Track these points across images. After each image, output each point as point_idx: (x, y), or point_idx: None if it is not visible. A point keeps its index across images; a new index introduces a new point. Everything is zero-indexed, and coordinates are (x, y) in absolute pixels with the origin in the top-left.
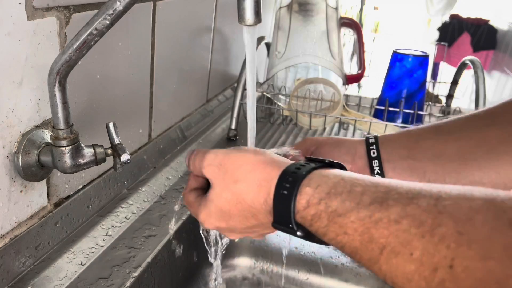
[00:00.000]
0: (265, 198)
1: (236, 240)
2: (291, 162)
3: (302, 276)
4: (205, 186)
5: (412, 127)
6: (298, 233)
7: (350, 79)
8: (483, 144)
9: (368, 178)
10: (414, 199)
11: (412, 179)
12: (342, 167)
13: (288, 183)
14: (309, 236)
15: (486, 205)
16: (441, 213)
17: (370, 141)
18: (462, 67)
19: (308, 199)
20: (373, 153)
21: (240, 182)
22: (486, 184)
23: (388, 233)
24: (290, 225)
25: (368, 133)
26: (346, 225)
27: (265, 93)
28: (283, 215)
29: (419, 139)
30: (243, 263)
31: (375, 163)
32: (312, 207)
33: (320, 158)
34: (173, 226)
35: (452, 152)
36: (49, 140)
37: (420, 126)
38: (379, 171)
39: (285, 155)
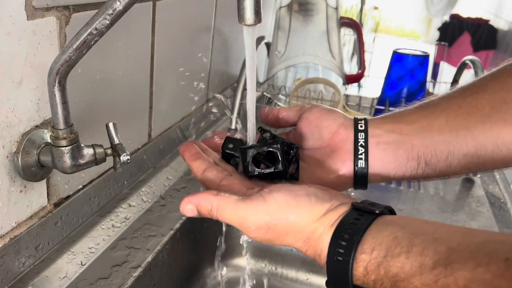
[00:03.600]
0: (314, 256)
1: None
2: (343, 212)
3: (302, 276)
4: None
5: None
6: None
7: (350, 79)
8: (475, 111)
9: (424, 230)
10: (482, 261)
11: (398, 154)
12: (391, 212)
13: (342, 248)
14: None
15: None
16: None
17: (359, 117)
18: (462, 67)
19: (365, 266)
20: (361, 126)
21: (288, 237)
22: (483, 157)
23: None
24: None
25: None
26: None
27: (265, 93)
28: (340, 281)
29: (404, 114)
30: (243, 263)
31: (361, 135)
32: (372, 274)
33: (369, 205)
34: None
35: (441, 123)
36: (49, 140)
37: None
38: (363, 143)
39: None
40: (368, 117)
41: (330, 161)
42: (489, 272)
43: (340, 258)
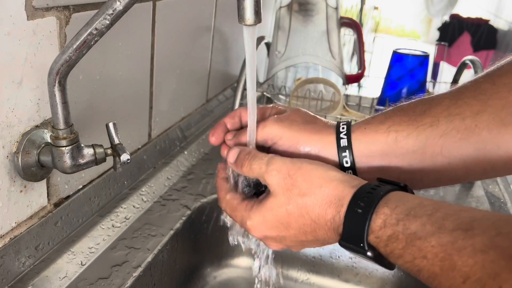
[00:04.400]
0: (333, 215)
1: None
2: (365, 182)
3: (302, 276)
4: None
5: (387, 109)
6: (369, 253)
7: (350, 79)
8: (472, 136)
9: (448, 204)
10: (503, 229)
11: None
12: (413, 193)
13: (363, 202)
14: (378, 258)
15: None
16: None
17: (341, 144)
18: (462, 67)
19: (385, 219)
20: (346, 160)
21: (307, 196)
22: (469, 179)
23: (473, 262)
24: (362, 245)
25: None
26: (425, 249)
27: (265, 93)
28: (355, 234)
29: (398, 138)
30: (243, 263)
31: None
32: (389, 228)
33: (395, 181)
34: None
35: (435, 151)
36: (49, 140)
37: (397, 110)
38: (349, 164)
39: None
40: (351, 121)
41: None
42: (509, 240)
43: (360, 211)
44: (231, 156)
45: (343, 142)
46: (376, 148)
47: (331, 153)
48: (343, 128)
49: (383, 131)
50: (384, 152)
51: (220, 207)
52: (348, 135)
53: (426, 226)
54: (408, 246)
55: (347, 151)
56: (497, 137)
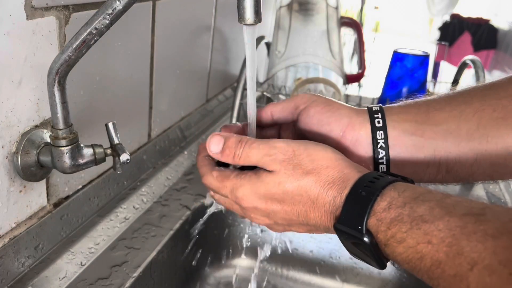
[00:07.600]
0: (334, 196)
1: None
2: (372, 171)
3: (302, 276)
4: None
5: (420, 97)
6: (365, 238)
7: (350, 79)
8: (510, 116)
9: (457, 195)
10: None
11: (418, 159)
12: None
13: (369, 186)
14: (374, 247)
15: None
16: None
17: (374, 109)
18: (462, 66)
19: (390, 201)
20: (378, 122)
21: (311, 175)
22: (511, 167)
23: (483, 248)
24: (360, 227)
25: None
26: (431, 233)
27: (265, 93)
28: (354, 215)
29: (429, 110)
30: (243, 263)
31: (380, 134)
32: (394, 210)
33: (400, 174)
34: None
35: (471, 128)
36: (49, 140)
37: (431, 96)
38: (383, 145)
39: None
40: (384, 106)
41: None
42: None
43: (364, 193)
44: (214, 144)
45: (375, 108)
46: (405, 116)
47: (358, 121)
48: (375, 109)
49: (413, 104)
50: (416, 121)
51: (203, 183)
52: (381, 106)
53: (435, 210)
54: (412, 230)
55: (379, 113)
56: None
